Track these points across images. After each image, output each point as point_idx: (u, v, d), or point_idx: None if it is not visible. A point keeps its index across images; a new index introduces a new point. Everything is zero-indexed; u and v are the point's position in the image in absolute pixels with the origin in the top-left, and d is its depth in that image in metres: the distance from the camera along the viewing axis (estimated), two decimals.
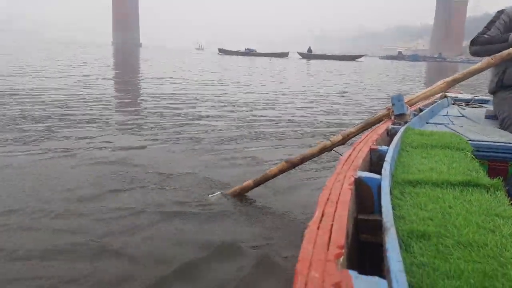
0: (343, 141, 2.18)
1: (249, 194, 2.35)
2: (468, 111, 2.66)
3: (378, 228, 0.75)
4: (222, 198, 2.27)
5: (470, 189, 0.97)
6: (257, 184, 2.29)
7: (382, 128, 1.68)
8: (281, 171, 2.23)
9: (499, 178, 1.04)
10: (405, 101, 2.00)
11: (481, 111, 2.63)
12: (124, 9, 74.52)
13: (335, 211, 0.69)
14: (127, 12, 75.33)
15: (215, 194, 2.32)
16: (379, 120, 2.10)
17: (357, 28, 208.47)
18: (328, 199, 0.75)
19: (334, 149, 2.20)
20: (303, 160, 2.22)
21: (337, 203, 0.73)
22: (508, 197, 0.94)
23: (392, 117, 1.97)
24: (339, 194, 0.78)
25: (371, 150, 1.22)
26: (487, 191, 0.97)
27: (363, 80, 13.77)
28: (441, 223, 0.76)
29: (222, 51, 45.48)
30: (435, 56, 61.50)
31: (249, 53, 43.82)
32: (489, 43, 2.38)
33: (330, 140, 2.17)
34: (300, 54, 43.89)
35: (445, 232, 0.72)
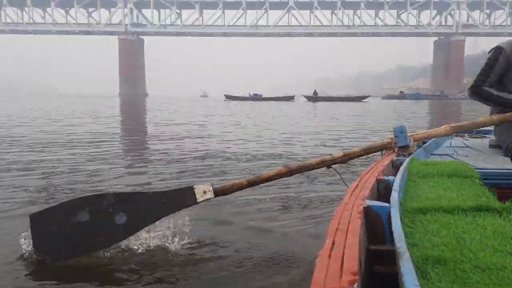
0: (343, 159, 2.15)
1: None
2: (472, 141, 2.66)
3: (391, 258, 0.74)
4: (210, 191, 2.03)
5: (482, 214, 0.95)
6: (251, 184, 2.13)
7: (387, 160, 1.68)
8: (278, 175, 2.13)
9: (511, 201, 1.02)
10: (411, 135, 2.02)
11: (484, 141, 2.63)
12: (130, 62, 77.03)
13: (345, 240, 0.68)
14: (133, 65, 77.81)
15: (205, 183, 2.07)
16: (382, 147, 2.11)
17: (358, 70, 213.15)
18: (337, 228, 0.74)
19: (333, 166, 2.17)
20: (301, 169, 2.15)
21: (347, 231, 0.72)
22: None
23: (396, 149, 1.97)
24: (349, 222, 0.77)
25: (378, 181, 1.21)
26: (500, 215, 0.95)
27: (377, 119, 13.70)
28: (456, 248, 0.74)
29: (229, 97, 45.68)
30: (437, 94, 62.19)
31: (256, 98, 44.17)
32: (491, 101, 2.39)
33: (331, 155, 2.15)
34: (306, 97, 44.27)
35: (461, 256, 0.71)
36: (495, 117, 2.15)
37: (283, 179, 2.14)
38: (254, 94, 47.13)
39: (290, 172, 2.12)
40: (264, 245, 2.11)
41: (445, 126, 2.21)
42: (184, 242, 2.08)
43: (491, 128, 2.77)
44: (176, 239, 2.06)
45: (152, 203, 1.93)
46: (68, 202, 1.98)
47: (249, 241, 2.17)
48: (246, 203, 2.84)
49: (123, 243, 1.95)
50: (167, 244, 2.04)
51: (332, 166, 2.17)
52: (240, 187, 2.10)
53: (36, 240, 1.86)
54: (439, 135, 2.25)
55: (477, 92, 2.40)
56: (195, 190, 1.95)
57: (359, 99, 42.75)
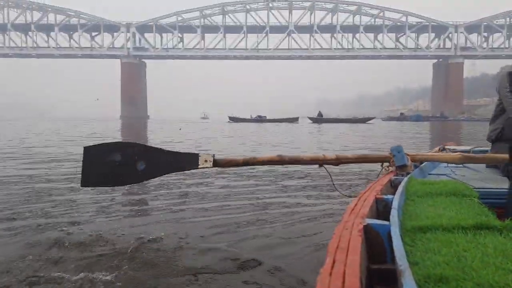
0: (336, 162, 2.17)
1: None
2: None
3: (392, 278, 0.73)
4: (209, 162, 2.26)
5: (482, 232, 0.95)
6: (245, 164, 2.29)
7: (385, 179, 1.69)
8: (270, 162, 2.25)
9: (511, 219, 1.02)
10: (410, 155, 2.04)
11: None
12: (132, 84, 77.71)
13: (346, 258, 0.68)
14: (135, 88, 78.46)
15: (205, 153, 2.33)
16: (377, 160, 2.12)
17: (357, 92, 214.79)
18: (337, 246, 0.74)
19: (325, 166, 2.19)
20: (293, 161, 2.24)
21: (347, 250, 0.72)
22: None
23: (394, 168, 1.97)
24: (349, 241, 0.77)
25: (377, 199, 1.20)
26: (500, 234, 0.95)
27: (386, 140, 13.49)
28: (458, 266, 0.74)
29: (232, 119, 45.39)
30: (437, 115, 62.51)
31: (259, 119, 44.07)
32: None
33: (324, 155, 2.19)
34: (311, 118, 43.78)
35: (463, 274, 0.70)
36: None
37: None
38: (258, 116, 46.80)
39: (282, 162, 2.22)
40: (264, 262, 2.08)
41: (457, 154, 2.18)
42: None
43: (487, 148, 2.80)
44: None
45: (165, 159, 2.28)
46: (108, 143, 2.39)
47: (248, 257, 2.14)
48: (248, 222, 2.86)
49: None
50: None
51: (324, 166, 2.20)
52: (236, 164, 2.28)
53: (84, 172, 2.33)
54: (447, 160, 2.21)
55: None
56: (199, 157, 2.25)
57: (364, 120, 42.68)
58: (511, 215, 1.18)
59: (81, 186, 2.40)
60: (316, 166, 2.25)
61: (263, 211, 3.19)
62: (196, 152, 2.33)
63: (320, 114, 44.03)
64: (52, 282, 1.84)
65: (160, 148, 2.38)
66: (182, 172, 2.45)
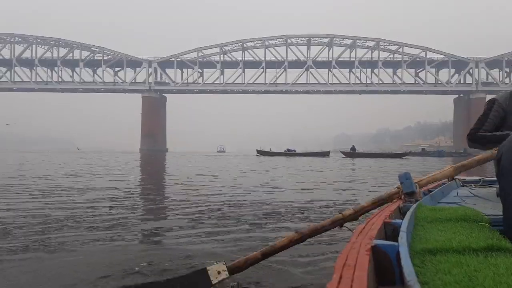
0: (354, 216, 2.10)
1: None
2: (479, 191, 2.64)
3: None
4: (223, 274, 1.91)
5: (494, 254, 0.93)
6: (265, 256, 2.02)
7: (393, 206, 1.65)
8: (291, 242, 2.02)
9: None
10: (416, 182, 1.98)
11: (492, 191, 2.58)
12: (152, 118, 78.85)
13: (353, 274, 0.67)
14: (155, 121, 79.56)
15: (215, 263, 2.00)
16: (390, 198, 2.06)
17: (376, 127, 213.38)
18: (345, 263, 0.73)
19: (345, 225, 2.12)
20: (314, 232, 2.06)
21: (354, 267, 0.71)
22: None
23: (402, 196, 1.93)
24: (356, 259, 0.76)
25: (385, 223, 1.18)
26: None
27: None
28: (469, 285, 0.73)
29: (260, 152, 43.95)
30: (460, 151, 61.03)
31: (289, 153, 42.51)
32: (488, 142, 2.45)
33: (342, 214, 2.09)
34: (343, 152, 42.48)
35: None
36: (494, 151, 2.09)
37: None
38: (287, 149, 45.19)
39: (302, 237, 2.05)
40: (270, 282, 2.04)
41: (448, 167, 2.18)
42: None
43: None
44: None
45: None
46: None
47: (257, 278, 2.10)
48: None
49: None
50: None
51: (345, 225, 2.11)
52: (254, 261, 2.03)
53: None
54: (444, 177, 2.22)
55: (473, 138, 2.51)
56: (208, 271, 1.88)
57: (401, 155, 41.26)
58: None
59: None
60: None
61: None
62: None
63: (353, 148, 42.78)
64: None
65: (157, 282, 2.00)
66: None
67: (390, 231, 1.17)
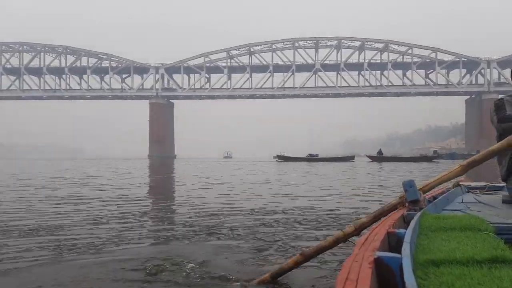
0: (356, 232, 2.08)
1: None
2: (484, 197, 2.60)
3: None
4: None
5: (498, 266, 0.93)
6: (274, 277, 2.25)
7: (397, 214, 1.63)
8: (297, 264, 2.17)
9: None
10: (420, 188, 1.95)
11: (497, 197, 2.54)
12: (160, 124, 78.56)
13: None
14: (163, 128, 79.25)
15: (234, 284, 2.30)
16: (392, 208, 2.01)
17: (386, 131, 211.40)
18: (347, 278, 0.72)
19: (349, 240, 2.14)
20: (318, 252, 2.15)
21: (357, 281, 0.70)
22: None
23: (406, 204, 1.89)
24: (359, 272, 0.75)
25: (389, 234, 1.18)
26: None
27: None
28: None
29: (281, 157, 41.48)
30: (472, 153, 59.57)
31: (311, 158, 40.46)
32: None
33: (343, 232, 2.11)
34: (370, 157, 40.61)
35: None
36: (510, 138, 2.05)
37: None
38: (309, 154, 43.18)
39: (306, 258, 2.18)
40: None
41: (456, 166, 2.06)
42: None
43: (504, 184, 2.76)
44: None
45: None
46: None
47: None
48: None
49: None
50: None
51: (349, 240, 2.13)
52: (264, 282, 2.23)
53: None
54: (451, 178, 2.12)
55: (505, 118, 2.45)
56: None
57: (430, 159, 39.67)
58: None
59: None
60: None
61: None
62: None
63: (380, 152, 40.76)
64: None
65: None
66: None
67: (393, 241, 1.16)
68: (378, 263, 0.84)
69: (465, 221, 1.46)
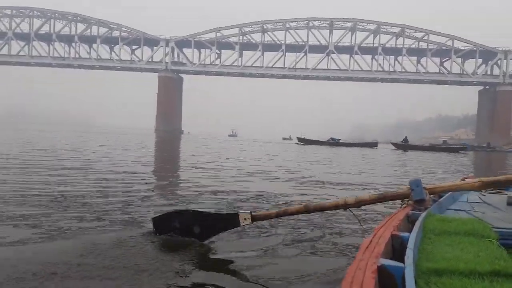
0: (356, 206, 2.27)
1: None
2: (489, 197, 2.61)
3: None
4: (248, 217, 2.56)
5: (499, 279, 0.94)
6: (278, 216, 2.57)
7: (402, 213, 1.67)
8: (298, 212, 2.47)
9: None
10: (429, 188, 2.01)
11: (502, 198, 2.54)
12: (168, 98, 77.92)
13: None
14: (171, 102, 78.63)
15: (245, 211, 2.65)
16: (396, 197, 2.12)
17: (396, 117, 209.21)
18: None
19: (350, 209, 2.32)
20: (318, 209, 2.40)
21: None
22: None
23: (411, 202, 1.94)
24: (362, 282, 0.75)
25: (393, 237, 1.19)
26: None
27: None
28: None
29: (302, 140, 40.67)
30: (483, 145, 58.58)
31: (333, 143, 39.46)
32: None
33: (345, 200, 2.28)
34: (394, 144, 39.20)
35: None
36: None
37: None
38: (331, 138, 41.94)
39: (308, 211, 2.43)
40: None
41: (476, 180, 2.06)
42: None
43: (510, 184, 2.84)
44: None
45: (213, 221, 2.67)
46: (171, 212, 2.85)
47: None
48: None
49: None
50: None
51: (349, 209, 2.32)
52: (270, 217, 2.61)
53: (158, 229, 2.75)
54: (466, 189, 2.16)
55: None
56: (239, 216, 2.58)
57: (456, 150, 38.12)
58: None
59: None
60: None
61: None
62: None
63: (405, 140, 39.13)
64: None
65: (208, 212, 2.83)
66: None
67: (397, 245, 1.17)
68: (381, 270, 0.84)
69: (469, 226, 1.45)
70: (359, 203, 2.25)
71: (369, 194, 2.23)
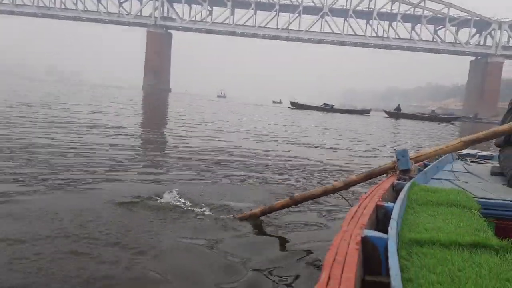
0: (345, 187, 2.29)
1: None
2: (474, 167, 2.67)
3: None
4: (233, 220, 2.50)
5: (479, 251, 0.97)
6: (263, 213, 2.49)
7: (387, 183, 1.68)
8: (284, 206, 2.43)
9: (508, 239, 1.04)
10: (414, 157, 2.06)
11: (486, 167, 2.61)
12: (157, 55, 76.08)
13: (341, 274, 0.68)
14: (159, 58, 76.79)
15: (228, 216, 2.55)
16: (383, 172, 2.13)
17: (385, 85, 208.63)
18: (334, 259, 0.75)
19: (338, 193, 2.34)
20: (306, 199, 2.37)
21: (343, 264, 0.73)
22: None
23: (397, 172, 1.97)
24: (346, 254, 0.78)
25: (377, 207, 1.21)
26: (497, 253, 0.96)
27: None
28: (451, 287, 0.75)
29: (295, 105, 40.62)
30: (470, 116, 58.99)
31: (326, 108, 39.21)
32: None
33: (333, 185, 2.30)
34: (387, 112, 39.14)
35: None
36: None
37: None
38: (324, 104, 41.69)
39: (295, 202, 2.39)
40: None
41: (457, 141, 2.11)
42: None
43: (495, 153, 2.88)
44: None
45: None
46: None
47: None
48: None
49: None
50: None
51: (338, 193, 2.34)
52: (255, 216, 2.50)
53: None
54: (449, 151, 2.21)
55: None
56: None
57: (449, 120, 38.44)
58: None
59: None
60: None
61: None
62: None
63: (398, 108, 39.16)
64: None
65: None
66: None
67: (381, 215, 1.20)
68: (365, 242, 0.87)
69: (452, 196, 1.49)
70: (347, 185, 2.26)
71: (356, 175, 2.27)
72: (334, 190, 2.27)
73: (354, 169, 5.04)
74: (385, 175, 2.09)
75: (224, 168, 4.41)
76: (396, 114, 37.36)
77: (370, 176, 2.19)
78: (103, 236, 2.11)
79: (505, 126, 2.06)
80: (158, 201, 2.78)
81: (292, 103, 41.40)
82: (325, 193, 2.31)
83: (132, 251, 1.97)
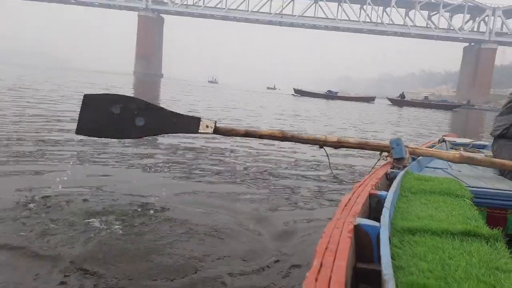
0: (336, 145, 2.26)
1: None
2: None
3: (377, 278, 0.74)
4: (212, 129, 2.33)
5: (469, 239, 0.97)
6: (246, 135, 2.38)
7: (381, 171, 1.69)
8: (271, 136, 2.35)
9: (498, 228, 1.05)
10: (410, 148, 2.08)
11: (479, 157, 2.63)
12: (148, 40, 74.91)
13: (333, 261, 0.68)
14: (151, 44, 75.65)
15: (210, 119, 2.34)
16: (377, 148, 2.16)
17: (379, 71, 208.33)
18: (326, 247, 0.75)
19: (324, 147, 2.30)
20: (294, 139, 2.31)
21: (336, 252, 0.73)
22: (507, 248, 0.95)
23: (391, 160, 1.99)
24: (338, 242, 0.78)
25: (371, 195, 1.22)
26: (487, 242, 0.97)
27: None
28: (441, 275, 0.76)
29: (298, 92, 40.00)
30: (463, 103, 59.02)
31: (330, 95, 38.46)
32: None
33: (325, 136, 2.26)
34: (391, 100, 38.66)
35: (445, 285, 0.72)
36: None
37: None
38: (328, 91, 41.15)
39: (283, 138, 2.32)
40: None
41: (456, 152, 2.14)
42: None
43: (488, 143, 2.87)
44: None
45: (165, 119, 2.27)
46: (109, 94, 2.34)
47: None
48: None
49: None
50: None
51: (324, 148, 2.31)
52: (237, 134, 2.38)
53: (81, 120, 2.29)
54: (446, 159, 2.17)
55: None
56: (201, 122, 2.28)
57: (451, 107, 38.27)
58: None
59: (76, 133, 2.32)
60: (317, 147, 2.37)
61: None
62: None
63: (402, 96, 38.82)
64: None
65: (162, 107, 2.34)
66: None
67: (374, 203, 1.20)
68: (357, 230, 0.87)
69: (445, 185, 1.51)
70: (339, 143, 2.22)
71: (352, 138, 2.23)
72: (325, 143, 2.23)
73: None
74: (378, 164, 2.05)
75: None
76: (400, 101, 36.95)
77: (364, 146, 2.17)
78: None
79: (507, 163, 2.07)
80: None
81: (296, 90, 40.77)
82: (315, 142, 2.25)
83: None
